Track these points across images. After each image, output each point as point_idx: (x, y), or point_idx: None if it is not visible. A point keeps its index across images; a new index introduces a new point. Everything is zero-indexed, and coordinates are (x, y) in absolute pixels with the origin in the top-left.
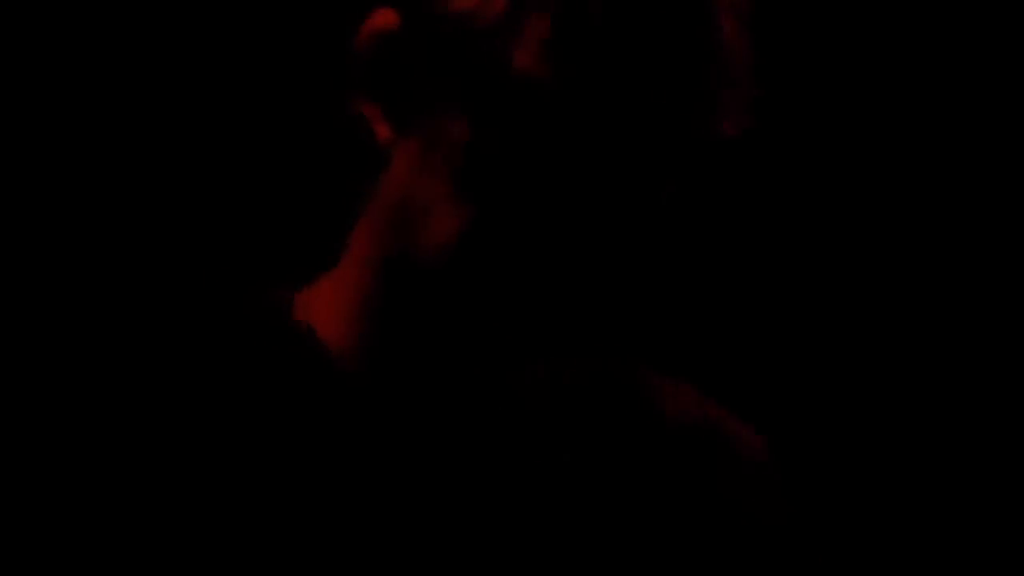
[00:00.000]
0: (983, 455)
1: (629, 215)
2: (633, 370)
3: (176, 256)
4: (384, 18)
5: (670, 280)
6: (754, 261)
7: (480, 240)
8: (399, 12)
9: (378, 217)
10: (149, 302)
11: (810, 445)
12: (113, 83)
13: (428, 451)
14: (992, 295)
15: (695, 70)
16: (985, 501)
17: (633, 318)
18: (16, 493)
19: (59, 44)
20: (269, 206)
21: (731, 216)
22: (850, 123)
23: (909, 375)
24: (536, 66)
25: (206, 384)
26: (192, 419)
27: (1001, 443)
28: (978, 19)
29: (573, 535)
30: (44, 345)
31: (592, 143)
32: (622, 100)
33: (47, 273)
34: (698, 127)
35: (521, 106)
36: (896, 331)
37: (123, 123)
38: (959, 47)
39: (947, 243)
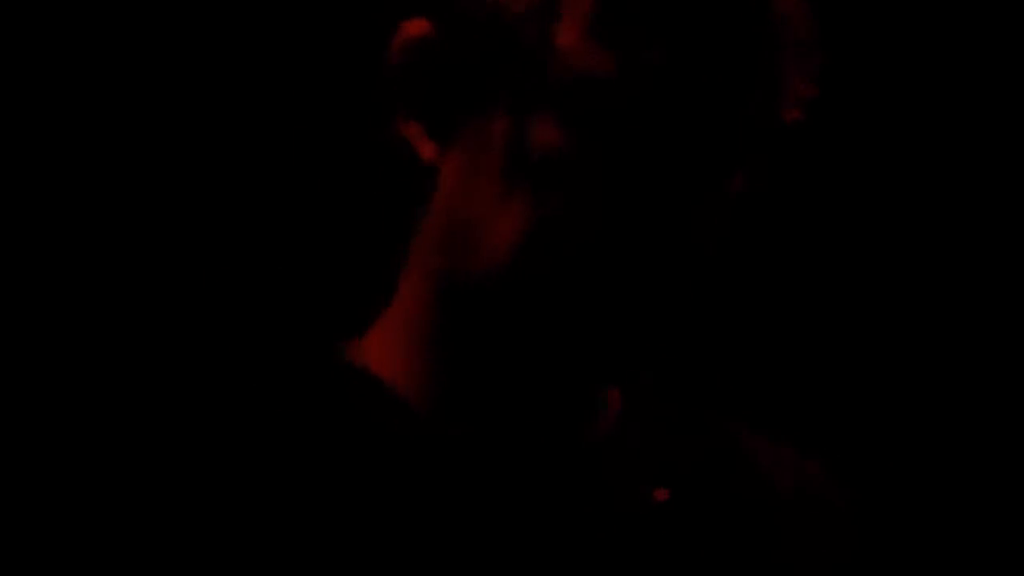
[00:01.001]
0: (983, 455)
1: (699, 212)
2: (738, 435)
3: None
4: (416, 27)
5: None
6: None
7: (544, 245)
8: (430, 19)
9: (430, 241)
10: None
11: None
12: (173, 127)
13: (517, 509)
14: (991, 295)
15: (758, 44)
16: (985, 501)
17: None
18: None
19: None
20: (319, 251)
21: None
22: (847, 123)
23: (912, 381)
24: (582, 45)
25: (272, 437)
26: (257, 470)
27: (1001, 443)
28: (978, 19)
29: None
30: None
31: (651, 127)
32: (680, 78)
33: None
34: (765, 110)
35: (570, 91)
36: (898, 338)
37: (172, 169)
38: (959, 47)
39: (946, 244)
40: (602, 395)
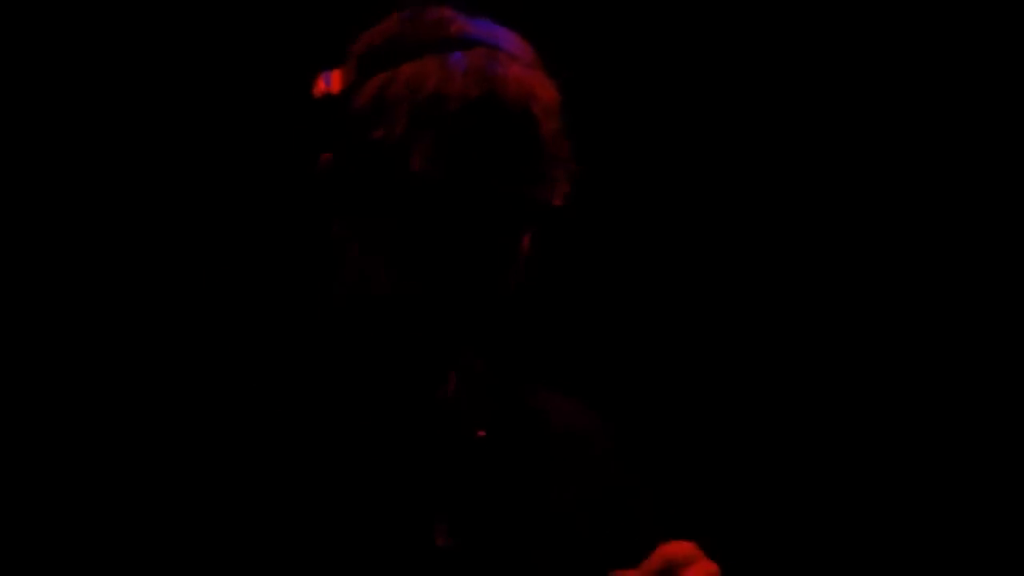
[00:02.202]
0: (982, 455)
1: (503, 264)
2: (533, 394)
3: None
4: (324, 158)
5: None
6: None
7: (407, 296)
8: (333, 149)
9: (346, 282)
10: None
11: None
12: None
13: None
14: (991, 295)
15: (532, 163)
16: (984, 501)
17: (517, 335)
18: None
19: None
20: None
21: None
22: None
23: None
24: (425, 168)
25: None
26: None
27: (1001, 443)
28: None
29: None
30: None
31: (468, 217)
32: (484, 187)
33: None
34: (538, 199)
35: (419, 196)
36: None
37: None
38: (957, 48)
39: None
40: (445, 373)
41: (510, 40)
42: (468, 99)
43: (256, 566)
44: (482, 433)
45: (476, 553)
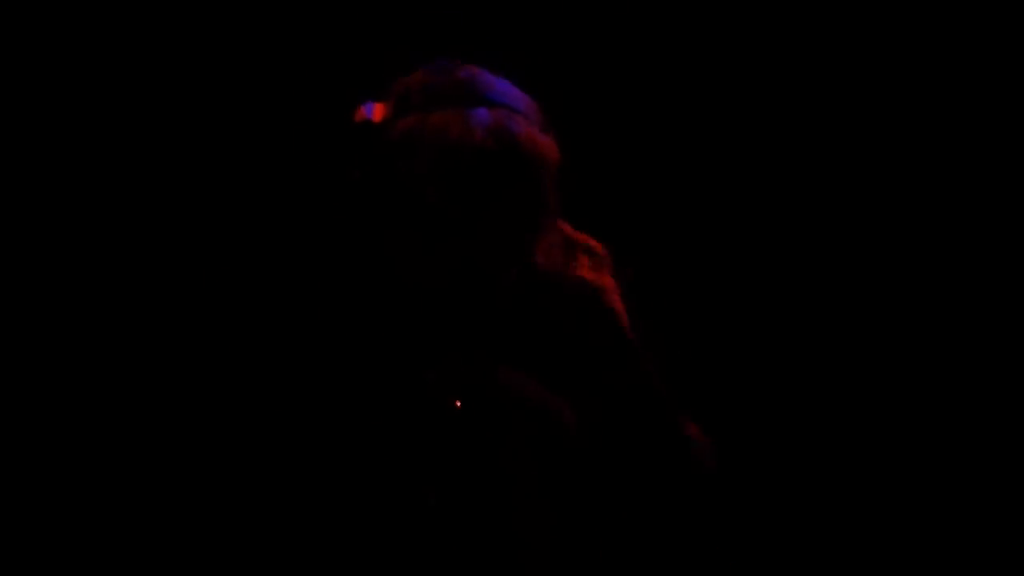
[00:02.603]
0: (981, 455)
1: (494, 281)
2: (497, 368)
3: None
4: (355, 173)
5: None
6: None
7: (411, 292)
8: (363, 169)
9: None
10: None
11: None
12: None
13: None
14: (991, 295)
15: (531, 212)
16: (984, 501)
17: (498, 334)
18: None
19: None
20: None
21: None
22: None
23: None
24: (439, 202)
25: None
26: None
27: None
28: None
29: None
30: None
31: (467, 244)
32: (486, 225)
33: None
34: (527, 241)
35: (429, 221)
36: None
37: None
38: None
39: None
40: (437, 356)
41: (526, 103)
42: (485, 152)
43: (268, 516)
44: (458, 404)
45: (459, 507)
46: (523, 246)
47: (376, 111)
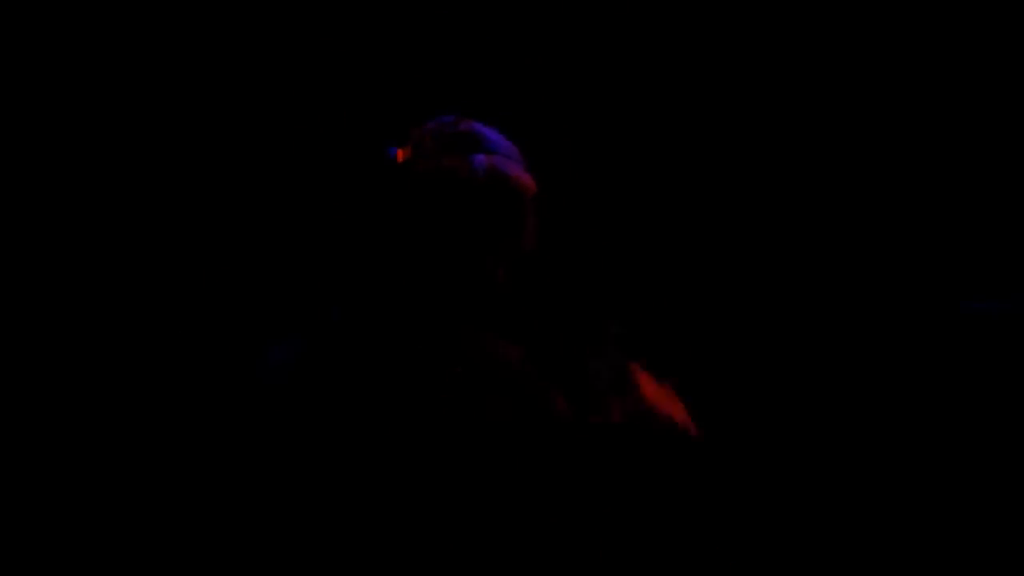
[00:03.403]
0: (981, 455)
1: (490, 281)
2: (486, 342)
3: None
4: (386, 196)
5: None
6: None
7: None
8: (392, 195)
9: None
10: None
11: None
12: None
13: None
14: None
15: (508, 226)
16: (983, 501)
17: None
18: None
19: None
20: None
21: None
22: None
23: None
24: (447, 226)
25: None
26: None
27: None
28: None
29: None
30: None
31: (472, 247)
32: (481, 242)
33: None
34: (515, 250)
35: (438, 236)
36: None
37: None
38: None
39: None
40: (445, 334)
41: (510, 148)
42: (484, 188)
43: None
44: (458, 369)
45: (458, 453)
46: (511, 251)
47: (400, 155)
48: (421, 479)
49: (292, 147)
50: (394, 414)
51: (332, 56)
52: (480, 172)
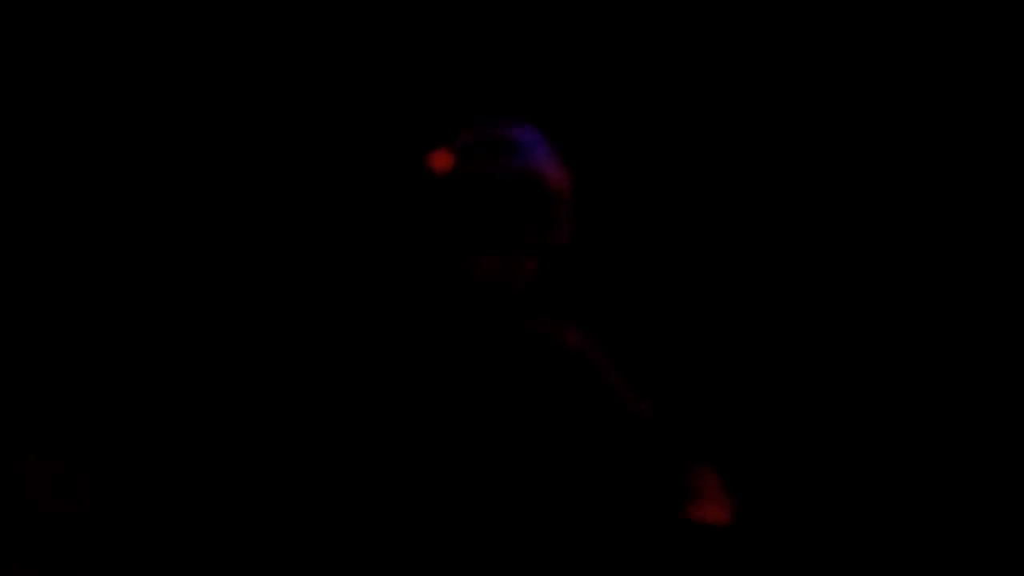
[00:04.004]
0: (980, 455)
1: (526, 271)
2: (549, 320)
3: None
4: (427, 197)
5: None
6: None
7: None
8: (432, 196)
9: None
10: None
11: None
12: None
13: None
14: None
15: (546, 222)
16: (983, 501)
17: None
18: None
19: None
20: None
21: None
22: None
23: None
24: (485, 222)
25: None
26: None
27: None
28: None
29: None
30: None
31: (516, 242)
32: (520, 235)
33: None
34: (549, 243)
35: (478, 236)
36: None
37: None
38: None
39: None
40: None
41: (544, 146)
42: (520, 187)
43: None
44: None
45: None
46: (546, 245)
47: (445, 158)
48: (491, 454)
49: (336, 154)
50: (468, 395)
51: (364, 60)
52: (520, 172)
